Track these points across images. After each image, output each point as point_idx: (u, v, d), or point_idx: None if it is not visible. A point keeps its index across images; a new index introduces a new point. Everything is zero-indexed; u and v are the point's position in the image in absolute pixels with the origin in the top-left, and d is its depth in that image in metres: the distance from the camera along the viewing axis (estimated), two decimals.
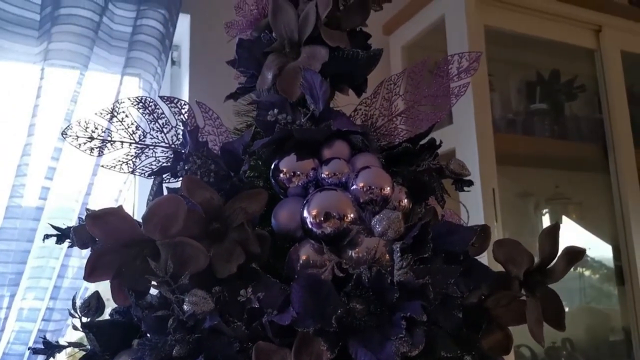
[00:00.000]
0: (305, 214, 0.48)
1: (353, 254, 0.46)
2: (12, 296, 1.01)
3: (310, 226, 0.47)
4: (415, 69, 0.64)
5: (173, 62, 1.39)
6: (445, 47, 1.34)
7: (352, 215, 0.46)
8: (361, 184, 0.49)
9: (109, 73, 1.14)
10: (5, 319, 1.00)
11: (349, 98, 0.67)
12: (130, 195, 1.17)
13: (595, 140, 1.53)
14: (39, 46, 1.05)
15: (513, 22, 1.39)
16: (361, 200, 0.48)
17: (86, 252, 0.70)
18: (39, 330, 1.03)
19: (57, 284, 1.03)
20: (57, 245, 0.97)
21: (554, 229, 0.51)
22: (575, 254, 0.52)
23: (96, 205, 1.04)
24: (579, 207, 1.74)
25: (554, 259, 0.51)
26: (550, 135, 1.57)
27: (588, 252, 1.72)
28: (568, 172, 1.67)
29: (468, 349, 0.48)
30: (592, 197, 1.68)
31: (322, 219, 0.46)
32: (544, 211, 1.73)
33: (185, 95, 1.36)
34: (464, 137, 1.23)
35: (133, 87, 1.19)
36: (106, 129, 0.60)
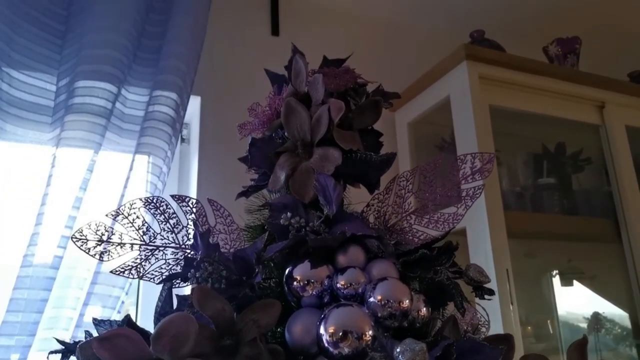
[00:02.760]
0: (322, 331, 0.46)
1: None
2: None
3: (326, 345, 0.45)
4: (428, 167, 0.64)
5: (182, 140, 1.41)
6: (451, 124, 1.36)
7: (370, 334, 0.44)
8: (379, 297, 0.47)
9: (120, 153, 1.15)
10: None
11: (361, 191, 0.67)
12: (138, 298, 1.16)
13: (606, 213, 1.52)
14: (52, 132, 1.06)
15: (517, 101, 1.41)
16: (379, 315, 0.46)
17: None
18: None
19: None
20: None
21: (582, 343, 0.49)
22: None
23: (102, 294, 1.02)
24: (594, 280, 1.70)
25: None
26: (560, 210, 1.56)
27: (602, 314, 1.67)
28: (580, 245, 1.64)
29: None
30: (606, 268, 1.64)
31: (339, 337, 0.44)
32: (554, 273, 1.69)
33: (194, 173, 1.37)
34: (474, 216, 1.21)
35: (143, 166, 1.19)
36: (117, 230, 0.60)
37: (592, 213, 1.59)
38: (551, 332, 1.55)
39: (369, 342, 0.44)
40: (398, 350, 0.39)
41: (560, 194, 1.59)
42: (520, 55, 1.42)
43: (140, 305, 1.22)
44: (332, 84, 0.64)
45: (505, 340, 0.52)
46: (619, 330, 1.61)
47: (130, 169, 1.09)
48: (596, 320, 1.64)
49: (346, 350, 0.44)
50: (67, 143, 1.03)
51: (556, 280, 1.71)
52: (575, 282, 1.68)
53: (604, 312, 1.65)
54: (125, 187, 1.06)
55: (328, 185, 0.56)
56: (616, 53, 2.04)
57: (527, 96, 1.43)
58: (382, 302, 0.46)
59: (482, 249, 1.17)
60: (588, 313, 1.65)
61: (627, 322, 1.54)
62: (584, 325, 1.63)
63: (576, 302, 1.68)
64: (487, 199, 1.19)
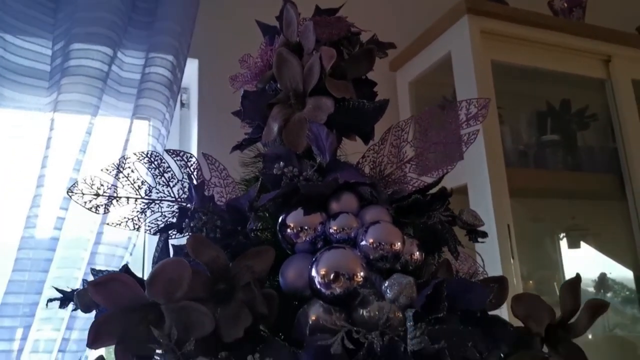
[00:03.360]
0: (314, 273, 0.46)
1: (364, 314, 0.45)
2: (20, 350, 0.99)
3: (318, 286, 0.46)
4: (423, 116, 0.63)
5: (182, 105, 1.41)
6: (453, 83, 1.34)
7: (361, 274, 0.45)
8: (371, 240, 0.47)
9: (118, 117, 1.15)
10: (20, 350, 0.98)
11: (356, 144, 0.66)
12: (140, 241, 1.17)
13: (611, 170, 1.51)
14: (49, 97, 1.06)
15: (519, 55, 1.39)
16: (371, 257, 0.47)
17: None
18: None
19: (65, 335, 1.02)
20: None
21: (575, 282, 0.49)
22: (599, 307, 0.49)
23: (106, 254, 1.04)
24: (598, 237, 1.70)
25: (576, 313, 0.49)
26: (564, 167, 1.55)
27: (609, 275, 1.67)
28: (584, 202, 1.64)
29: None
30: (609, 226, 1.64)
31: (330, 279, 0.45)
32: (561, 236, 1.69)
33: (194, 137, 1.37)
34: (475, 173, 1.21)
35: (142, 129, 1.20)
36: (112, 185, 0.60)
37: (596, 169, 1.58)
38: (556, 290, 1.56)
39: (361, 283, 0.45)
40: (386, 284, 0.39)
41: (564, 150, 1.57)
42: (523, 9, 1.38)
43: (147, 266, 1.24)
44: (324, 33, 0.63)
45: (498, 282, 0.52)
46: (627, 293, 1.61)
47: (129, 131, 1.09)
48: (602, 281, 1.65)
49: (338, 290, 0.45)
50: (64, 106, 1.03)
51: (563, 243, 1.72)
52: (582, 243, 1.69)
53: (610, 274, 1.66)
54: (124, 149, 1.07)
55: (321, 134, 0.56)
56: (624, 6, 1.99)
57: (531, 51, 1.40)
58: (374, 245, 0.47)
59: (483, 205, 1.17)
60: (595, 276, 1.65)
61: (633, 285, 1.54)
62: (591, 289, 1.64)
63: (583, 263, 1.69)
64: (488, 155, 1.19)
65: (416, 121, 0.63)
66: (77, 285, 1.01)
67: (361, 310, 0.45)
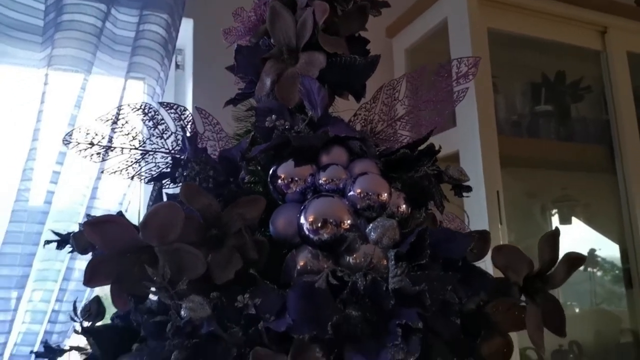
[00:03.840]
0: (302, 220, 0.48)
1: (350, 260, 0.47)
2: (19, 298, 1.02)
3: (307, 232, 0.47)
4: (415, 74, 0.64)
5: (177, 66, 1.40)
6: (449, 50, 1.34)
7: (348, 222, 0.46)
8: (358, 190, 0.49)
9: (112, 77, 1.16)
10: (12, 320, 1.01)
11: (350, 103, 0.67)
12: (136, 199, 1.19)
13: (602, 142, 1.53)
14: (43, 52, 1.06)
15: (516, 23, 1.39)
16: (358, 207, 0.48)
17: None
18: (45, 332, 1.04)
19: (62, 286, 1.04)
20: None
21: (554, 234, 0.51)
22: (576, 260, 0.52)
23: (101, 209, 1.06)
24: (587, 208, 1.73)
25: (554, 265, 0.51)
26: (556, 137, 1.56)
27: (598, 252, 1.71)
28: (575, 174, 1.66)
29: (466, 355, 0.48)
30: (599, 198, 1.67)
31: (318, 225, 0.47)
32: (553, 212, 1.72)
33: (189, 99, 1.37)
34: (467, 140, 1.23)
35: (137, 90, 1.20)
36: (107, 135, 0.61)
37: (588, 141, 1.60)
38: None
39: (347, 229, 0.47)
40: (370, 227, 0.41)
41: (557, 121, 1.59)
42: None
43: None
44: None
45: (481, 235, 0.54)
46: (617, 272, 1.64)
47: (124, 89, 1.09)
48: (591, 258, 1.67)
49: (325, 236, 0.46)
50: (58, 62, 1.03)
51: (555, 219, 1.74)
52: (573, 219, 1.71)
53: (600, 249, 1.68)
54: (119, 102, 1.07)
55: (313, 88, 0.57)
56: None
57: (528, 19, 1.39)
58: (361, 195, 0.48)
59: (474, 172, 1.18)
60: (583, 252, 1.67)
61: (619, 262, 1.57)
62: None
63: (572, 238, 1.71)
64: (481, 123, 1.20)
65: (408, 80, 0.64)
66: None
67: (347, 257, 0.47)
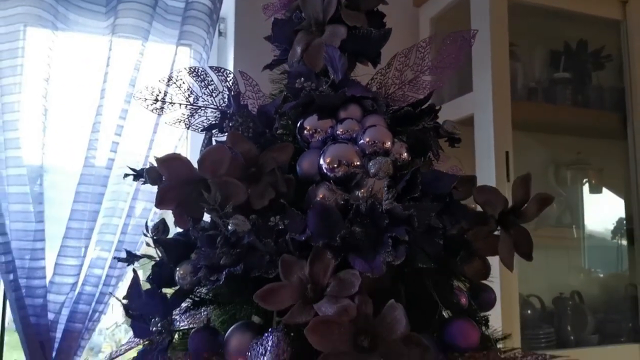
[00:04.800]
0: (322, 161, 0.59)
1: (358, 193, 0.58)
2: (86, 247, 1.17)
3: (325, 171, 0.59)
4: (423, 44, 0.73)
5: (220, 34, 1.51)
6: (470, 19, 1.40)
7: (357, 163, 0.58)
8: (367, 139, 0.60)
9: (165, 44, 1.28)
10: (81, 265, 1.16)
11: (369, 68, 0.77)
12: (184, 150, 1.33)
13: (616, 109, 1.57)
14: (107, 21, 1.19)
15: None
16: (367, 152, 0.59)
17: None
18: (107, 277, 1.18)
19: (120, 238, 1.18)
20: (123, 204, 1.13)
21: (526, 177, 0.61)
22: (545, 200, 0.61)
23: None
24: (599, 173, 1.78)
25: (525, 203, 0.61)
26: (572, 104, 1.61)
27: (610, 215, 1.74)
28: (588, 140, 1.71)
29: (448, 271, 0.60)
30: (610, 164, 1.71)
31: (334, 165, 0.58)
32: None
33: (230, 64, 1.48)
34: (481, 104, 1.30)
35: (185, 56, 1.32)
36: (167, 93, 0.73)
37: (603, 108, 1.64)
38: (551, 215, 1.66)
39: (357, 169, 0.58)
40: (370, 163, 0.52)
41: (574, 88, 1.63)
42: None
43: None
44: None
45: (469, 179, 0.64)
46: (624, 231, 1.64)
47: (175, 54, 1.22)
48: (619, 227, 1.69)
49: (339, 174, 0.58)
50: (120, 30, 1.16)
51: (569, 176, 1.80)
52: (604, 189, 1.74)
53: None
54: (171, 70, 1.20)
55: (335, 56, 0.67)
56: None
57: None
58: (369, 143, 0.59)
59: (486, 135, 1.27)
60: (613, 220, 1.69)
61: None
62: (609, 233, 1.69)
63: (603, 209, 1.73)
64: (495, 88, 1.27)
65: (416, 49, 0.73)
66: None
67: (356, 191, 0.59)
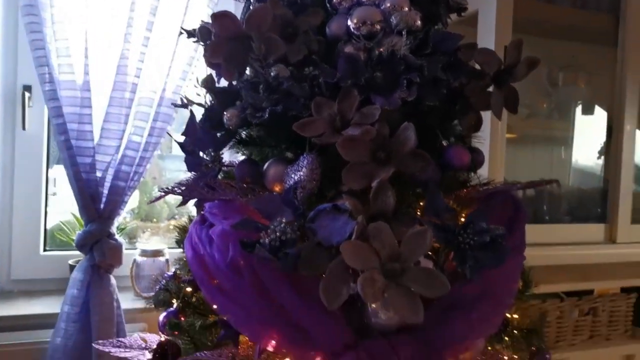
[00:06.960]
0: (349, 22, 0.67)
1: (378, 51, 0.67)
2: (127, 115, 1.27)
3: (352, 30, 0.67)
4: None
5: None
6: None
7: (379, 21, 0.66)
8: (388, 4, 0.67)
9: None
10: (123, 131, 1.26)
11: None
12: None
13: (612, 11, 1.60)
14: None
15: None
16: (386, 13, 0.67)
17: None
18: (145, 143, 1.29)
19: (156, 110, 1.28)
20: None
21: (518, 42, 0.69)
22: (534, 62, 0.70)
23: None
24: (592, 77, 1.83)
25: (517, 64, 0.70)
26: (571, 5, 1.64)
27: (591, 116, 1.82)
28: (582, 46, 1.75)
29: (447, 117, 0.70)
30: (600, 68, 1.77)
31: (360, 24, 0.66)
32: (578, 103, 1.81)
33: None
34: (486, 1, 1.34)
35: None
36: None
37: (600, 9, 1.66)
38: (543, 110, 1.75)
39: (379, 31, 0.66)
40: (393, 16, 0.61)
41: None
42: None
43: None
44: None
45: (471, 45, 0.73)
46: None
47: None
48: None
49: (364, 31, 0.66)
50: None
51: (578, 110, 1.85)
52: (596, 109, 1.79)
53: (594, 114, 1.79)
54: None
55: None
56: None
57: None
58: (390, 6, 0.67)
59: (488, 32, 1.32)
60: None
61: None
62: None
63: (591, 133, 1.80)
64: None
65: None
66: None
67: (376, 50, 0.67)
